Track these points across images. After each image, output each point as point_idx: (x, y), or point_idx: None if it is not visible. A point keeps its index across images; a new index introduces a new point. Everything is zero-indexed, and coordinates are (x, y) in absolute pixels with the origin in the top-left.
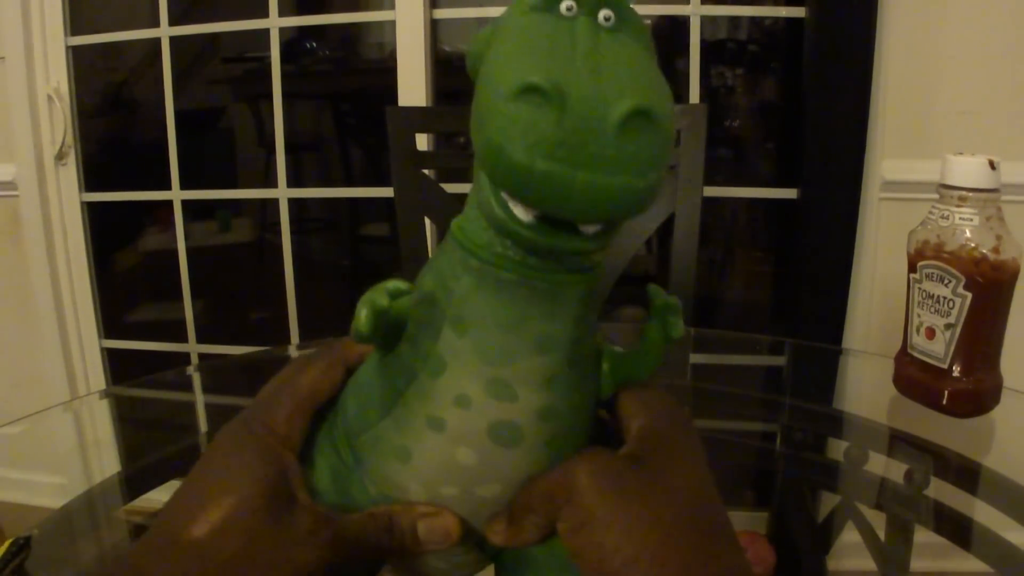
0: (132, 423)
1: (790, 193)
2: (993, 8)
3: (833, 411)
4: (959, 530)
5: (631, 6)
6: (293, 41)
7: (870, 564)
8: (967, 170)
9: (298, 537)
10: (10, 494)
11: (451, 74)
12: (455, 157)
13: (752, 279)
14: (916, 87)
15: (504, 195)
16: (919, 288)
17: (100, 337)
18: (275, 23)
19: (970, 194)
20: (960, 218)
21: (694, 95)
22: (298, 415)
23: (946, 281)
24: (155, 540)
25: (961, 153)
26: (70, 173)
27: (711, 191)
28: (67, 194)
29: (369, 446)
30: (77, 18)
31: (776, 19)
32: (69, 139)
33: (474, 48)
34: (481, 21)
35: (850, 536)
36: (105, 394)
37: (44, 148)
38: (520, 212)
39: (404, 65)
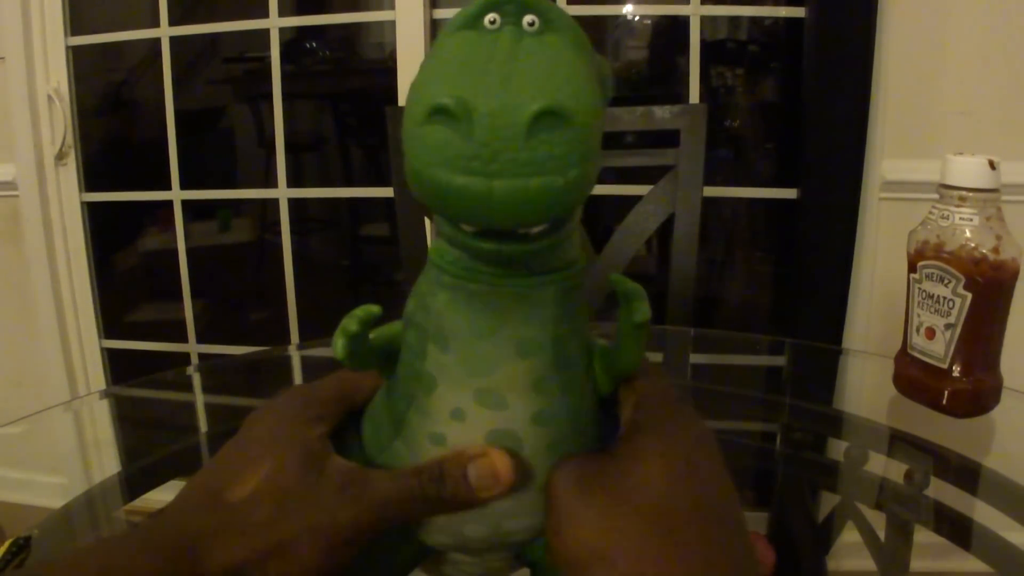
0: (132, 423)
1: (790, 193)
2: (993, 8)
3: (833, 411)
4: (959, 530)
5: (555, 8)
6: (293, 41)
7: (870, 564)
8: (967, 170)
9: (330, 494)
10: (10, 494)
11: None
12: None
13: (752, 279)
14: (916, 87)
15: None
16: (919, 288)
17: (100, 337)
18: (275, 23)
19: (970, 194)
20: (960, 218)
21: (694, 95)
22: (337, 401)
23: (946, 281)
24: (195, 498)
25: (961, 153)
26: (70, 173)
27: (711, 191)
28: (67, 194)
29: (386, 466)
30: (77, 18)
31: (776, 19)
32: (69, 139)
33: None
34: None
35: (850, 536)
36: (105, 394)
37: (44, 148)
38: (465, 224)
39: (404, 65)
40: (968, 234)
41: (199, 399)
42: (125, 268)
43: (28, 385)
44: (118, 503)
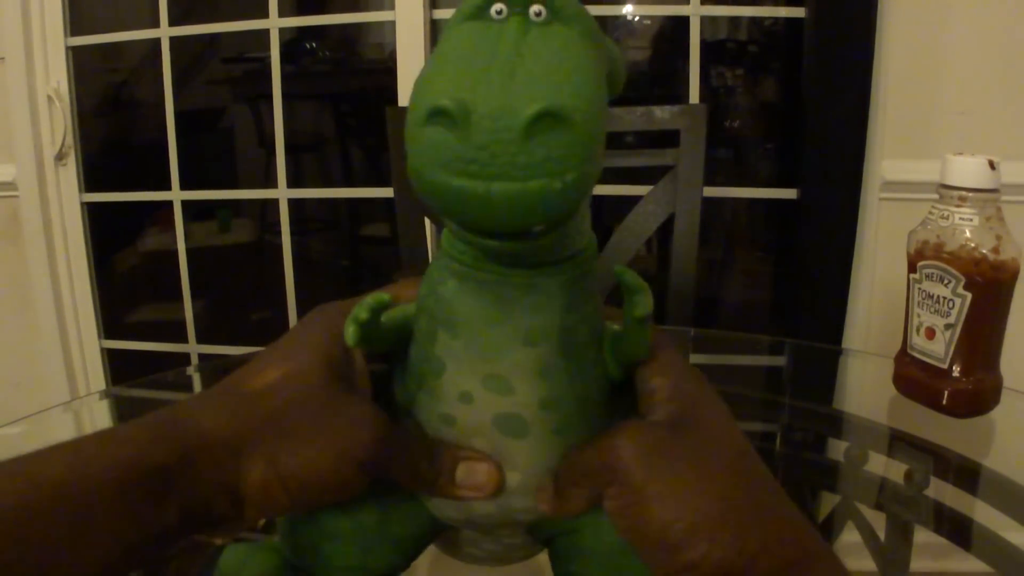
0: None
1: (790, 193)
2: (993, 8)
3: (833, 411)
4: (959, 530)
5: None
6: (293, 41)
7: (870, 564)
8: (967, 170)
9: (352, 407)
10: None
11: None
12: None
13: (752, 279)
14: (916, 87)
15: None
16: (919, 288)
17: (100, 337)
18: (275, 23)
19: (970, 194)
20: (960, 218)
21: (694, 95)
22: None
23: (946, 281)
24: (212, 391)
25: (961, 153)
26: (70, 173)
27: (711, 191)
28: (67, 194)
29: None
30: (77, 18)
31: (776, 19)
32: (69, 139)
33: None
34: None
35: (850, 536)
36: (105, 394)
37: (44, 148)
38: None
39: (404, 65)
40: (968, 234)
41: None
42: (125, 268)
43: (28, 385)
44: None
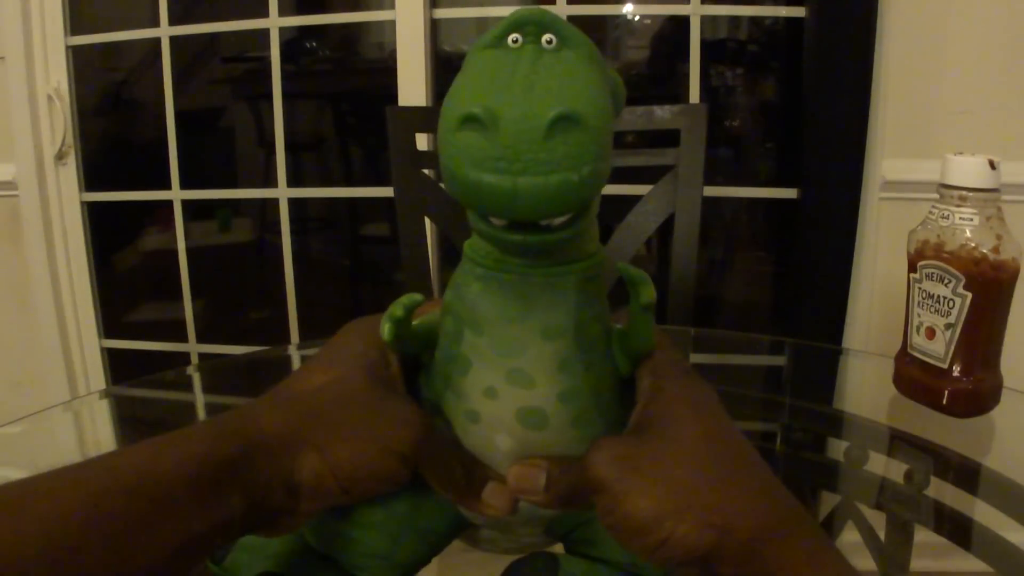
0: (132, 423)
1: (790, 193)
2: (993, 8)
3: (833, 411)
4: (959, 530)
5: (571, 27)
6: (293, 41)
7: (870, 564)
8: (967, 170)
9: (395, 412)
10: None
11: (451, 74)
12: None
13: (752, 279)
14: (916, 87)
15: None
16: (919, 288)
17: (100, 337)
18: (275, 23)
19: (970, 194)
20: (960, 218)
21: (694, 95)
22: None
23: (946, 281)
24: (267, 396)
25: (961, 153)
26: (70, 173)
27: (711, 191)
28: (67, 194)
29: None
30: (77, 18)
31: (776, 19)
32: (69, 139)
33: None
34: (481, 21)
35: (850, 536)
36: (105, 394)
37: (44, 148)
38: (494, 219)
39: (404, 65)
40: (968, 234)
41: (199, 399)
42: (125, 268)
43: (28, 385)
44: None
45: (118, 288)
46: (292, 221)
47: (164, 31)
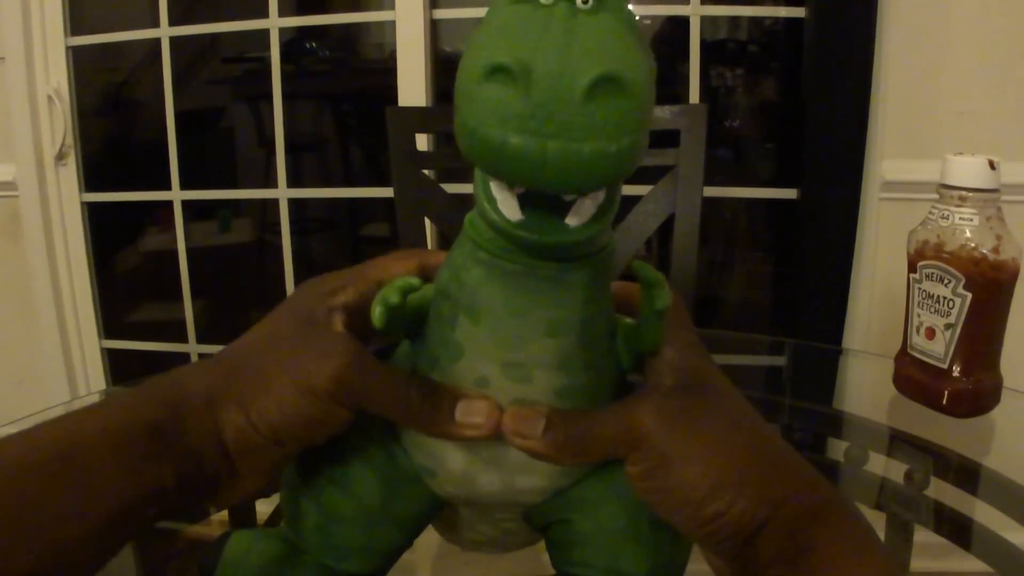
0: None
1: (790, 193)
2: (993, 8)
3: (833, 411)
4: (959, 530)
5: None
6: (293, 41)
7: None
8: (967, 170)
9: (325, 343)
10: None
11: (451, 74)
12: (455, 157)
13: (752, 279)
14: (916, 87)
15: (493, 192)
16: (919, 288)
17: (100, 337)
18: (275, 23)
19: (970, 194)
20: (960, 218)
21: (694, 95)
22: (357, 280)
23: (946, 281)
24: (196, 362)
25: (961, 153)
26: (70, 173)
27: (711, 191)
28: (67, 194)
29: None
30: (77, 18)
31: (776, 19)
32: (69, 139)
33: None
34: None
35: None
36: (105, 394)
37: (44, 148)
38: (509, 211)
39: (404, 65)
40: (968, 234)
41: None
42: (125, 268)
43: (28, 385)
44: None
45: (118, 288)
46: (292, 221)
47: (164, 31)
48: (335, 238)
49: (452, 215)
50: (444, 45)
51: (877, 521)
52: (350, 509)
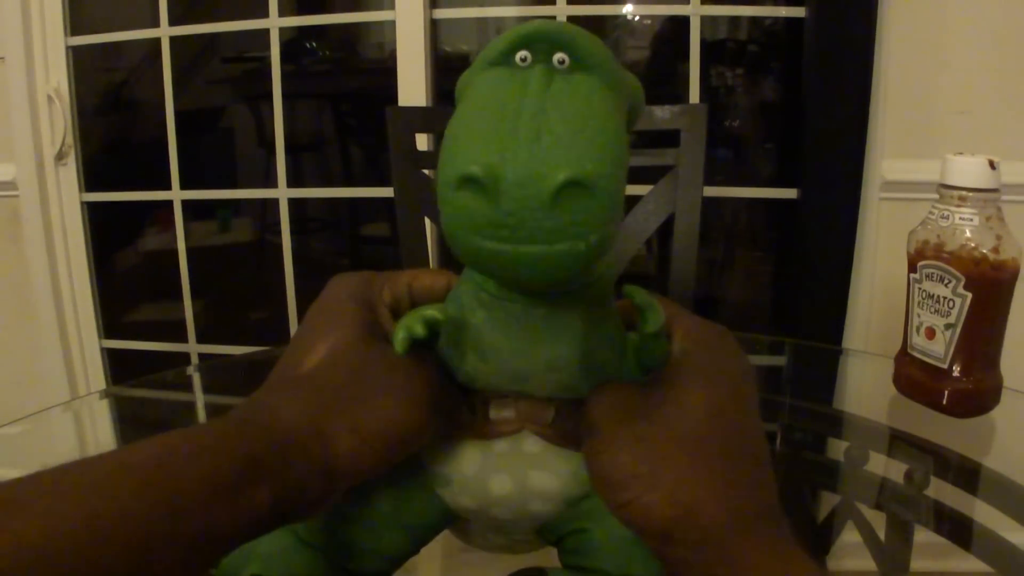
0: (132, 423)
1: (790, 193)
2: (993, 8)
3: (833, 411)
4: (959, 530)
5: (585, 40)
6: (293, 41)
7: (870, 564)
8: (967, 170)
9: (406, 366)
10: None
11: (451, 74)
12: None
13: (752, 279)
14: (916, 87)
15: None
16: (919, 288)
17: (100, 337)
18: (275, 23)
19: (970, 194)
20: (960, 218)
21: (694, 95)
22: (392, 306)
23: (946, 281)
24: (273, 381)
25: (961, 153)
26: (70, 173)
27: (711, 191)
28: (67, 194)
29: None
30: (77, 18)
31: (776, 19)
32: (69, 139)
33: (457, 89)
34: (481, 21)
35: (850, 536)
36: (105, 394)
37: (44, 148)
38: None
39: (404, 65)
40: (968, 234)
41: (199, 399)
42: (125, 268)
43: (28, 385)
44: None
45: (118, 288)
46: (292, 221)
47: (164, 31)
48: (335, 238)
49: None
50: (444, 45)
51: (877, 521)
52: (359, 512)
